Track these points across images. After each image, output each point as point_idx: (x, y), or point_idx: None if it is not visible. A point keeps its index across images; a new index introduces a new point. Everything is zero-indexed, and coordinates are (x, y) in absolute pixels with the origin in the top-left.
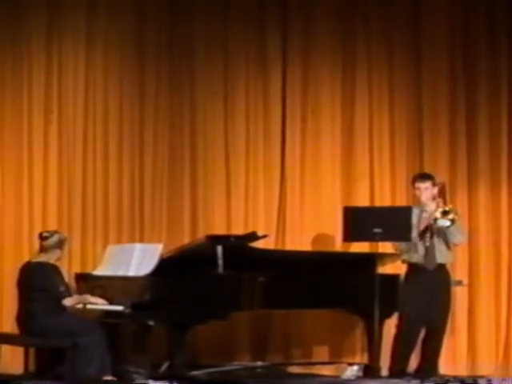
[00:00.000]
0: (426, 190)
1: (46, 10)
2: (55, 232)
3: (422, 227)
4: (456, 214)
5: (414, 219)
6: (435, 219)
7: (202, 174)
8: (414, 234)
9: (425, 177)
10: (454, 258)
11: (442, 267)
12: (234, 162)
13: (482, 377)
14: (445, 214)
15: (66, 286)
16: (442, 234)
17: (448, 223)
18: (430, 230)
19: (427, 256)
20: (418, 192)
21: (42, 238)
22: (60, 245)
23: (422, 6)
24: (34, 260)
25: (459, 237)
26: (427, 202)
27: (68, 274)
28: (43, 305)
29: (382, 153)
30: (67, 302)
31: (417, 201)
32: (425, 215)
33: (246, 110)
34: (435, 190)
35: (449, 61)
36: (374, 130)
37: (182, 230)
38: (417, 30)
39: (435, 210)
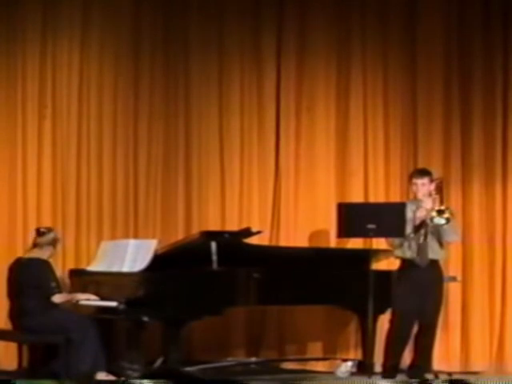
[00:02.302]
0: (423, 185)
1: (41, 6)
2: (51, 229)
3: (417, 223)
4: (451, 213)
5: (410, 214)
6: (431, 218)
7: (196, 169)
8: (409, 229)
9: (422, 173)
10: (447, 255)
11: (434, 263)
12: (228, 158)
13: (475, 373)
14: (440, 212)
15: (57, 282)
16: (436, 232)
17: (443, 221)
18: (425, 228)
19: (420, 253)
20: (414, 187)
21: (38, 233)
22: (54, 243)
23: (418, 4)
24: (26, 256)
25: (453, 236)
26: (423, 198)
27: (62, 270)
28: (36, 301)
29: (376, 149)
30: (56, 298)
31: (411, 196)
32: (420, 214)
33: (241, 105)
34: (432, 187)
35: (444, 57)
36: (368, 127)
37: (176, 225)
38: (412, 28)
39: (431, 209)
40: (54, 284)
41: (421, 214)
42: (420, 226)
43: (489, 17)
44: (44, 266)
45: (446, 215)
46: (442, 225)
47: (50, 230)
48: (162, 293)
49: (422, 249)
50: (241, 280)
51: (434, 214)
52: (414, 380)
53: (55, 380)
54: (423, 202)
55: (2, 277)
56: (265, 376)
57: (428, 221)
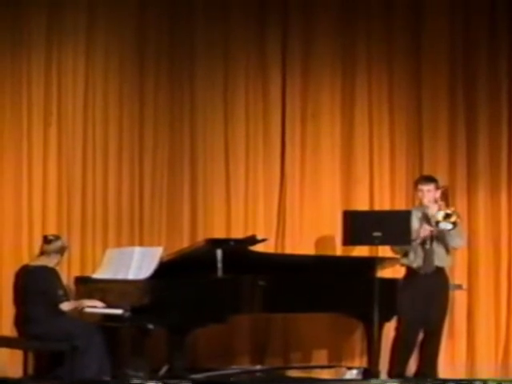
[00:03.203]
0: (429, 192)
1: (46, 10)
2: (59, 237)
3: (422, 235)
4: (458, 216)
5: (415, 221)
6: (437, 222)
7: (201, 176)
8: (414, 236)
9: (428, 179)
10: (453, 262)
11: (440, 271)
12: (233, 165)
13: (481, 380)
14: (447, 216)
15: (65, 290)
16: (441, 237)
17: (450, 226)
18: (430, 235)
19: (426, 260)
20: (420, 194)
21: (46, 241)
22: (61, 251)
23: (423, 11)
24: (33, 263)
25: (458, 240)
26: (429, 204)
27: (67, 277)
28: (42, 309)
29: (381, 156)
30: (64, 306)
31: (416, 203)
32: (423, 233)
33: (246, 112)
34: (438, 194)
35: (449, 65)
36: (373, 134)
37: (181, 233)
38: (417, 35)
39: (437, 213)
40: (61, 292)
41: (425, 233)
42: (424, 242)
43: (494, 24)
44: (51, 273)
45: (453, 219)
46: (449, 230)
47: (57, 237)
48: (167, 300)
49: (427, 255)
50: (246, 288)
51: (439, 218)
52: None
53: None
54: (429, 208)
55: (7, 283)
56: None
57: (433, 224)
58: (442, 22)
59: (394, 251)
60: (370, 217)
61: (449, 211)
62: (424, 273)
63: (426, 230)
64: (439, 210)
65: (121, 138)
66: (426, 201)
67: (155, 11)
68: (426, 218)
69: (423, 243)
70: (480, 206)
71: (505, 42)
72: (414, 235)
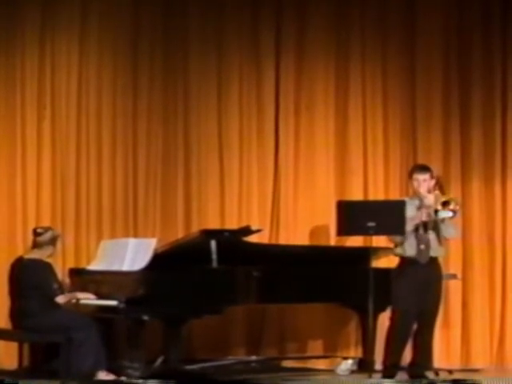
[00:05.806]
0: (425, 181)
1: (40, 6)
2: (49, 228)
3: (423, 219)
4: (457, 203)
5: (412, 210)
6: (436, 211)
7: (195, 168)
8: (409, 226)
9: (424, 169)
10: (446, 252)
11: (433, 260)
12: (227, 157)
13: (476, 370)
14: (445, 204)
15: (59, 283)
16: (436, 227)
17: (450, 214)
18: (428, 223)
19: (421, 247)
20: (416, 183)
21: (35, 234)
22: (53, 241)
23: (418, 2)
24: (27, 256)
25: (451, 230)
26: (425, 193)
27: (62, 269)
28: (37, 302)
29: (375, 147)
30: (60, 299)
31: (411, 193)
32: (426, 211)
33: (240, 104)
34: (432, 183)
35: (443, 54)
36: (367, 125)
37: (175, 224)
38: (411, 25)
39: (436, 202)
40: (56, 286)
41: (424, 219)
42: (425, 228)
43: (488, 18)
44: (45, 268)
45: (452, 206)
46: (450, 217)
47: (47, 229)
48: (161, 291)
49: (424, 243)
50: (241, 278)
51: (438, 206)
52: (414, 379)
53: (56, 379)
54: (426, 198)
55: (2, 276)
56: (265, 374)
57: (432, 213)
58: (437, 13)
59: (390, 240)
60: (364, 207)
61: (446, 198)
62: (421, 260)
63: (426, 214)
64: (436, 199)
65: (114, 131)
66: (421, 190)
67: (149, 5)
68: (424, 208)
69: (425, 229)
70: (474, 196)
71: (498, 36)
72: (414, 221)
